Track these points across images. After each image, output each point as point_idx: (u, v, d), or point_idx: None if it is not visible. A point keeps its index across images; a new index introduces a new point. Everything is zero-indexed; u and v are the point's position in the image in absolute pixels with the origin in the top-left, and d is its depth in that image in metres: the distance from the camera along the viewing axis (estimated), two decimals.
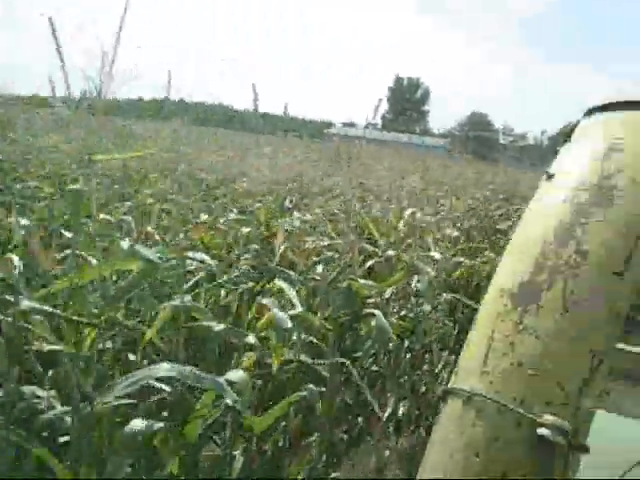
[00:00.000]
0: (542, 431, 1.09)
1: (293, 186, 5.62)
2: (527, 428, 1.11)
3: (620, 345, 3.25)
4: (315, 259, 3.08)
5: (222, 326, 1.99)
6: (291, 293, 2.36)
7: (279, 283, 2.44)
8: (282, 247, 3.06)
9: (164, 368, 1.59)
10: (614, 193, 1.23)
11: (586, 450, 1.12)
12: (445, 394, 1.24)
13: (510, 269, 1.26)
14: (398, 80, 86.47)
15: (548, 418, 1.09)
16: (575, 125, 1.47)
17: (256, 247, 3.07)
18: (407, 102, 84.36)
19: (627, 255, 1.17)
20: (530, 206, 1.35)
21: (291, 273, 2.73)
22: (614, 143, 1.31)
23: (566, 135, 1.46)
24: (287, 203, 4.63)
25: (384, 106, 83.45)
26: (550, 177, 1.35)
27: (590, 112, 1.48)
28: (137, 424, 1.68)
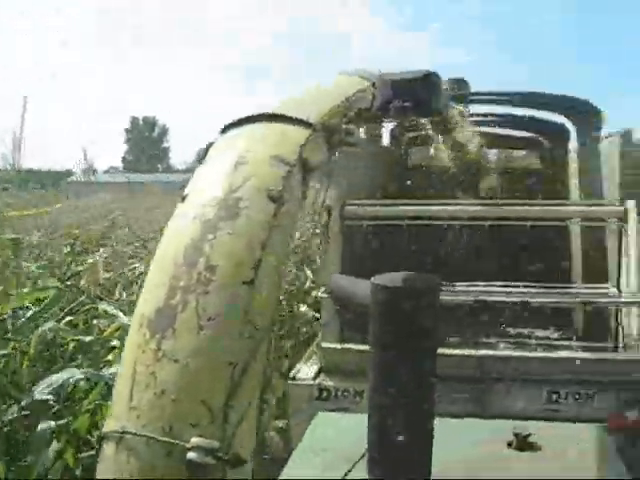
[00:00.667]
0: (190, 455, 1.06)
1: None
2: (178, 456, 1.08)
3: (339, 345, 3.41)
4: None
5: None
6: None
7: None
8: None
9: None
10: (240, 205, 1.26)
11: (242, 462, 1.12)
12: (100, 440, 1.17)
13: (147, 297, 1.23)
14: (134, 120, 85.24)
15: (194, 440, 1.07)
16: (211, 144, 1.50)
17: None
18: (146, 141, 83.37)
19: (255, 263, 1.20)
20: (165, 231, 1.34)
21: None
22: (241, 156, 1.35)
23: (202, 155, 1.48)
24: None
25: (123, 148, 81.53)
26: (184, 198, 1.35)
27: (224, 130, 1.52)
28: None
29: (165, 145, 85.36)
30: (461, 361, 3.70)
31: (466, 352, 3.90)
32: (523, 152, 7.42)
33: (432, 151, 5.63)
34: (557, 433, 2.05)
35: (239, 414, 1.13)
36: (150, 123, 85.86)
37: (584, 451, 1.90)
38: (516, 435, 1.91)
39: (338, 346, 4.08)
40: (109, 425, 1.16)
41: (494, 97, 5.53)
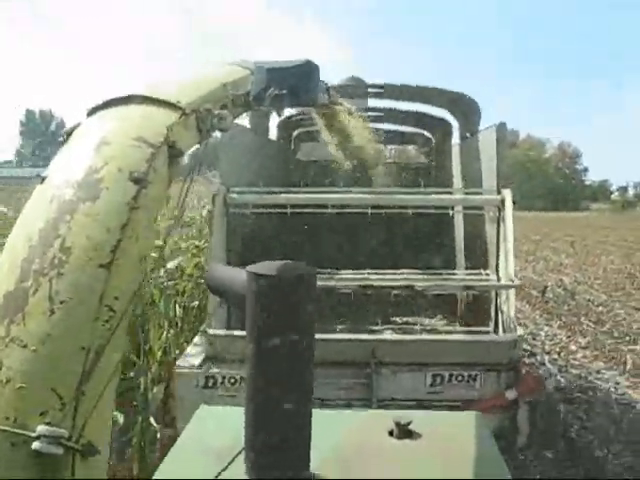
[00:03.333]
0: (36, 445, 1.01)
1: None
2: (23, 446, 1.02)
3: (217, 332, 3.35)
4: None
5: None
6: None
7: None
8: None
9: None
10: (100, 186, 1.21)
11: (95, 451, 1.08)
12: None
13: None
14: (29, 113, 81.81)
15: (40, 429, 1.02)
16: (77, 125, 1.44)
17: None
18: (43, 135, 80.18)
19: (113, 246, 1.16)
20: (22, 212, 1.28)
21: None
22: (104, 138, 1.31)
23: (67, 136, 1.42)
24: None
25: (18, 141, 78.07)
26: (43, 179, 1.29)
27: (92, 112, 1.46)
28: None
29: (61, 139, 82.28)
30: (349, 346, 3.75)
31: (353, 337, 3.95)
32: (412, 147, 7.66)
33: (322, 146, 5.71)
34: (433, 421, 2.11)
35: (92, 401, 1.08)
36: (47, 117, 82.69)
37: (461, 436, 1.96)
38: (397, 424, 1.94)
39: (224, 333, 4.04)
40: None
41: (384, 91, 5.66)
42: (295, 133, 7.48)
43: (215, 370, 3.76)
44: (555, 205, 59.84)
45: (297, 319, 1.64)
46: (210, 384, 3.75)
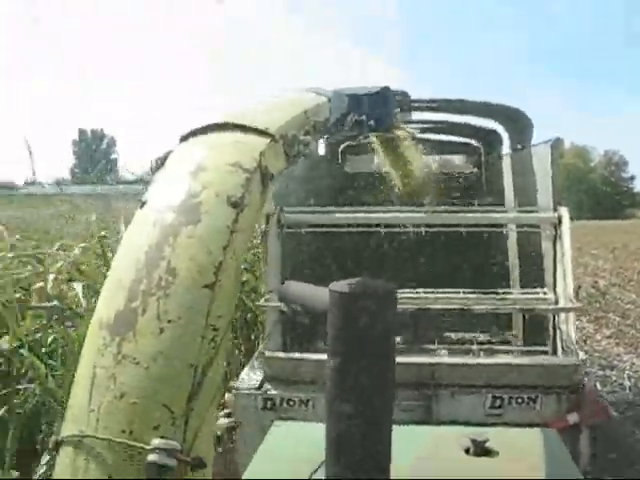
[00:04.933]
0: (151, 457, 1.07)
1: None
2: (139, 458, 1.08)
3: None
4: None
5: None
6: None
7: None
8: None
9: None
10: (200, 210, 1.28)
11: (203, 464, 1.13)
12: (56, 446, 1.16)
13: (106, 301, 1.23)
14: (82, 132, 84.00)
15: (155, 442, 1.08)
16: (170, 152, 1.51)
17: None
18: (95, 153, 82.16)
19: (216, 267, 1.22)
20: (125, 235, 1.35)
21: None
22: (201, 163, 1.37)
23: (160, 162, 1.49)
24: None
25: (71, 160, 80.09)
26: (143, 204, 1.36)
27: (185, 138, 1.53)
28: None
29: (113, 157, 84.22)
30: (408, 368, 3.75)
31: (413, 360, 3.94)
32: (459, 157, 7.59)
33: (370, 158, 5.72)
34: (508, 438, 2.10)
35: (200, 417, 1.14)
36: (98, 136, 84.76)
37: (538, 454, 1.96)
38: (473, 441, 1.94)
39: (282, 355, 4.08)
40: (66, 429, 1.16)
41: (432, 105, 5.67)
42: (342, 147, 7.53)
43: (273, 392, 3.80)
44: (601, 213, 58.58)
45: (379, 336, 1.67)
46: (269, 406, 3.78)
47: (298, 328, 4.48)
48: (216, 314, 1.19)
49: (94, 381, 1.15)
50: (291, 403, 3.77)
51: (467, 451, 1.95)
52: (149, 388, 1.11)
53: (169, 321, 1.15)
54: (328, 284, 1.69)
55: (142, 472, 1.07)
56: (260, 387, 3.84)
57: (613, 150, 75.36)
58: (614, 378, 7.54)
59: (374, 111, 1.72)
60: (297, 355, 3.90)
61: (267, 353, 4.01)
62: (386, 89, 1.79)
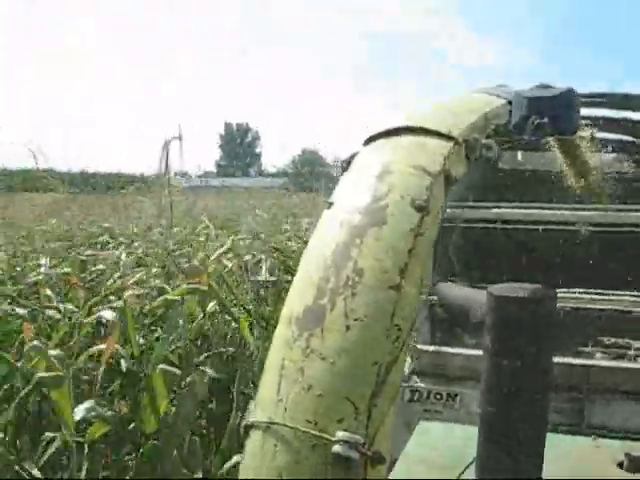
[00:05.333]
0: (336, 448, 1.11)
1: None
2: (323, 448, 1.13)
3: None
4: None
5: None
6: None
7: None
8: None
9: None
10: (386, 212, 1.31)
11: (383, 460, 1.16)
12: (247, 428, 1.24)
13: (296, 296, 1.30)
14: (228, 126, 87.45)
15: (339, 434, 1.12)
16: (355, 154, 1.56)
17: None
18: (239, 146, 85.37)
19: (401, 269, 1.24)
20: (313, 234, 1.40)
21: None
22: (386, 166, 1.40)
23: (346, 165, 1.54)
24: None
25: (217, 153, 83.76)
26: (330, 205, 1.41)
27: (368, 141, 1.57)
28: None
29: (257, 150, 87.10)
30: (561, 370, 3.61)
31: (567, 360, 3.79)
32: (619, 155, 7.13)
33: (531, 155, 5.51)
34: None
35: (382, 413, 1.17)
36: (243, 129, 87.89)
37: None
38: (627, 455, 1.86)
39: (432, 348, 4.06)
40: (256, 415, 1.23)
41: (599, 99, 5.37)
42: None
43: (421, 384, 3.80)
44: None
45: (539, 341, 1.64)
46: (415, 398, 3.79)
47: (446, 323, 4.45)
48: (400, 315, 1.21)
49: (282, 372, 1.21)
50: (438, 397, 3.76)
51: (620, 465, 1.87)
52: (335, 382, 1.16)
53: (355, 319, 1.19)
54: (489, 281, 1.68)
55: (326, 462, 1.12)
56: (408, 379, 3.86)
57: None
58: None
59: (557, 114, 1.67)
60: (446, 349, 3.88)
61: (417, 346, 4.02)
62: (569, 90, 1.73)
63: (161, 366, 3.46)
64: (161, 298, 3.99)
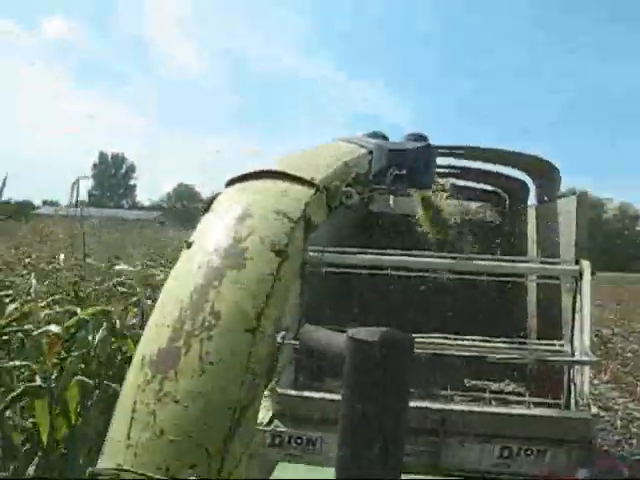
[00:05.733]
0: None
1: None
2: None
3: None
4: None
5: None
6: None
7: None
8: None
9: None
10: (246, 255, 1.32)
11: None
12: (93, 476, 1.19)
13: (150, 338, 1.27)
14: (102, 156, 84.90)
15: None
16: (216, 195, 1.56)
17: None
18: (113, 177, 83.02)
19: (258, 313, 1.25)
20: (170, 274, 1.39)
21: None
22: (246, 209, 1.42)
23: (207, 205, 1.53)
24: None
25: (89, 182, 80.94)
26: (189, 245, 1.40)
27: (230, 183, 1.58)
28: None
29: (132, 182, 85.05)
30: (419, 413, 3.73)
31: (424, 405, 3.92)
32: (481, 204, 7.60)
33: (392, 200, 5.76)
34: None
35: (235, 459, 1.16)
36: (119, 160, 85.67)
37: None
38: None
39: (293, 392, 4.07)
40: (103, 462, 1.18)
41: (458, 151, 5.70)
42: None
43: (282, 429, 3.78)
44: (612, 265, 58.13)
45: (394, 385, 1.69)
46: (277, 442, 3.77)
47: (309, 367, 4.48)
48: (256, 358, 1.22)
49: (134, 416, 1.17)
50: (299, 441, 3.75)
51: None
52: (187, 427, 1.14)
53: (210, 363, 1.18)
54: (346, 326, 1.72)
55: None
56: (270, 423, 3.83)
57: (628, 202, 75.65)
58: (607, 418, 8.05)
59: (415, 167, 1.76)
60: (308, 393, 3.89)
61: (278, 390, 4.01)
62: (428, 146, 1.83)
63: (77, 378, 3.73)
64: (74, 318, 4.23)
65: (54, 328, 3.77)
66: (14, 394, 3.33)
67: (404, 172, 1.70)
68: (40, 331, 3.81)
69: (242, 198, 1.47)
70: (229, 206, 1.46)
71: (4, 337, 3.97)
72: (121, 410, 1.22)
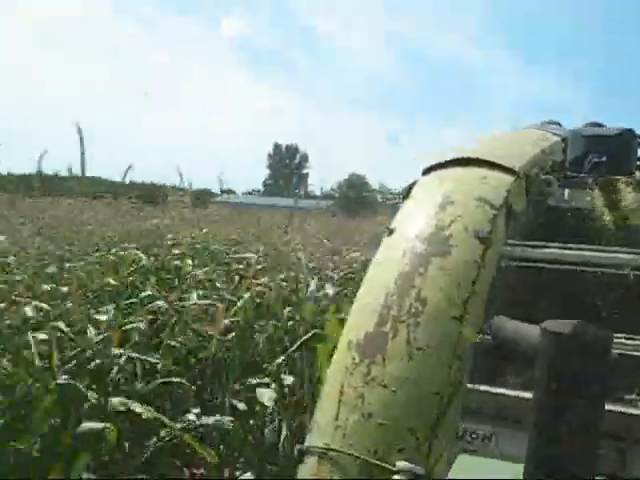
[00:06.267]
0: (395, 478, 1.11)
1: None
2: (381, 477, 1.13)
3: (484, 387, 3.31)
4: None
5: None
6: None
7: None
8: None
9: None
10: (449, 242, 1.32)
11: None
12: (301, 453, 1.25)
13: (356, 322, 1.30)
14: (277, 147, 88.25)
15: (400, 465, 1.12)
16: (414, 183, 1.57)
17: None
18: (286, 167, 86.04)
19: (464, 300, 1.25)
20: (373, 261, 1.42)
21: None
22: (447, 196, 1.41)
23: (406, 192, 1.55)
24: None
25: (264, 172, 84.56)
26: (391, 232, 1.42)
27: (427, 171, 1.59)
28: None
29: (304, 172, 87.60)
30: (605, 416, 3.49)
31: (610, 407, 3.66)
32: None
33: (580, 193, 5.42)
34: None
35: (442, 444, 1.17)
36: (292, 151, 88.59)
37: None
38: None
39: (470, 386, 3.97)
40: (312, 440, 1.24)
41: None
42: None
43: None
44: None
45: (589, 381, 1.60)
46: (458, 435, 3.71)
47: (489, 360, 4.38)
48: (462, 345, 1.22)
49: (342, 399, 1.22)
50: (474, 436, 3.68)
51: None
52: (396, 412, 1.16)
53: (418, 349, 1.20)
54: (532, 321, 1.65)
55: None
56: None
57: None
58: None
59: (615, 153, 1.65)
60: (486, 388, 3.82)
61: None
62: (629, 131, 1.71)
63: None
64: None
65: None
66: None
67: (604, 159, 1.61)
68: None
69: (441, 185, 1.47)
70: (429, 194, 1.47)
71: None
72: (329, 391, 1.26)
